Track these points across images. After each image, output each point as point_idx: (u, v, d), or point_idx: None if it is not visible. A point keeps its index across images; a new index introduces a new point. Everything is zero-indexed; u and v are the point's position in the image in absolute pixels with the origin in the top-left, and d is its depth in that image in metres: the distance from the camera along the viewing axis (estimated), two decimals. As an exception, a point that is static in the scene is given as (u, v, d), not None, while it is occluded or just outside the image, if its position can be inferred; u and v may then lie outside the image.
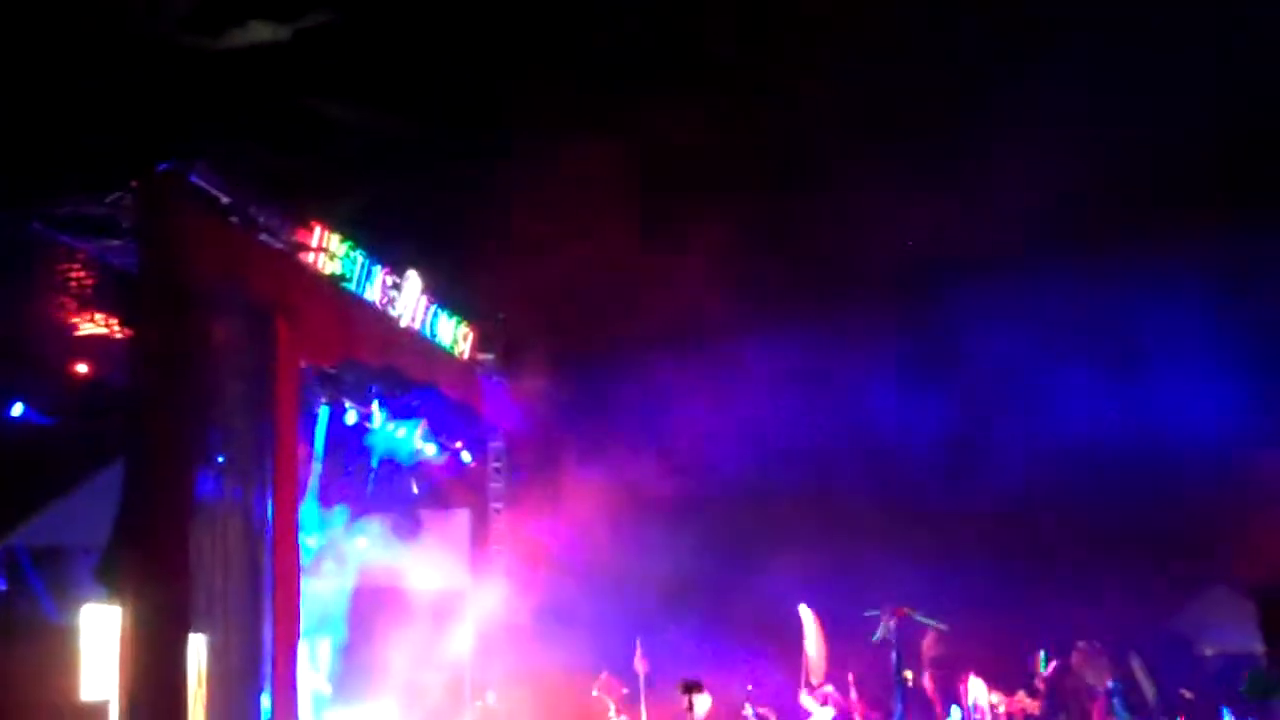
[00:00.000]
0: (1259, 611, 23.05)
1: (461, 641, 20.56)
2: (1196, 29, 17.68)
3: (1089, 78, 18.30)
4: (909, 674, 20.21)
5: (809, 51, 17.17)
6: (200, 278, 13.69)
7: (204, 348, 13.96)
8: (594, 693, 20.46)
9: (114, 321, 13.99)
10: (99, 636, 14.03)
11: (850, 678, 21.03)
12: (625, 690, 20.52)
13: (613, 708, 20.48)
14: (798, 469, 23.35)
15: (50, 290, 13.72)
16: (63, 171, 13.03)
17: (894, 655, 19.89)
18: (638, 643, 20.38)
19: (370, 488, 19.76)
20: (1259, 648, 22.33)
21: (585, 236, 18.98)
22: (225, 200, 14.22)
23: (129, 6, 13.10)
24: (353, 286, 16.88)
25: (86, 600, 14.14)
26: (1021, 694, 20.71)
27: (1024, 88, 18.02)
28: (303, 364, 15.97)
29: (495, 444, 22.08)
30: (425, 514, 21.06)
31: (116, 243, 13.53)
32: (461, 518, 21.76)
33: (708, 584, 22.83)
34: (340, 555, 18.98)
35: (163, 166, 13.27)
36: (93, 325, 14.03)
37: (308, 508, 17.06)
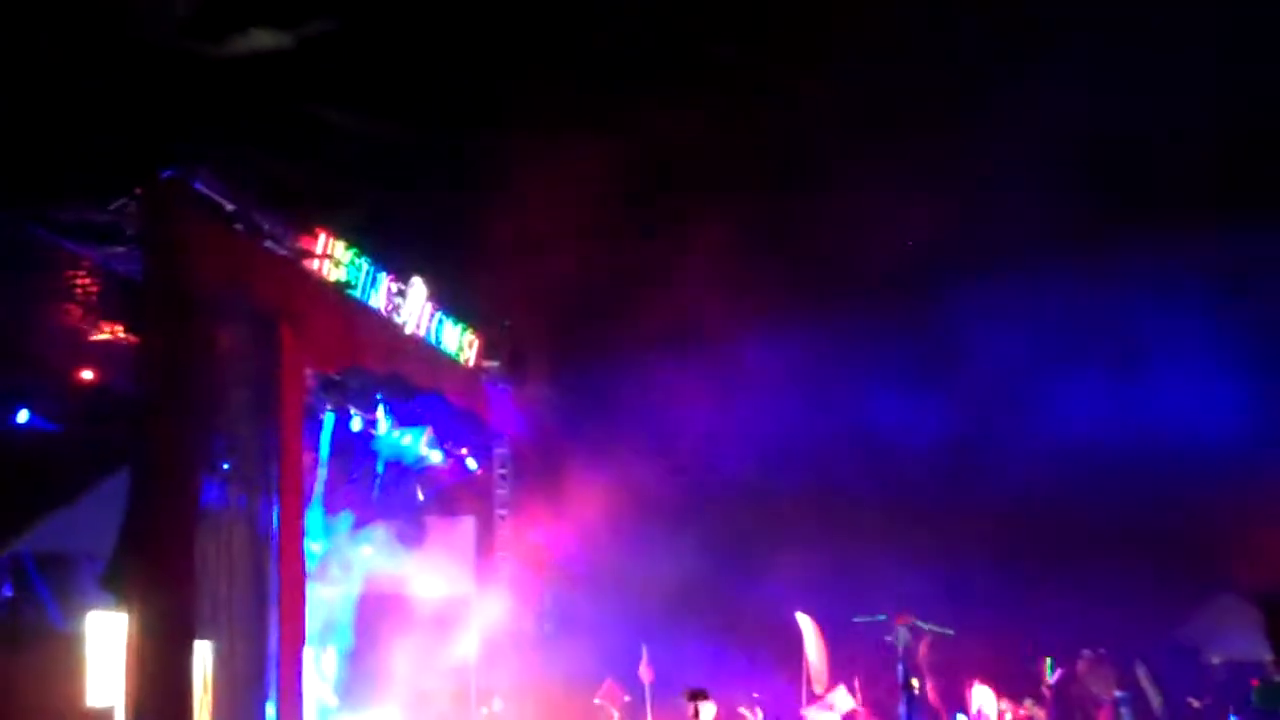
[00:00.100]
0: (1265, 619, 23.00)
1: (467, 648, 20.55)
2: (1197, 28, 17.66)
3: (1089, 77, 18.32)
4: (916, 682, 20.15)
5: (809, 51, 17.17)
6: (204, 284, 13.72)
7: (209, 354, 13.99)
8: (596, 700, 20.42)
9: (119, 328, 13.99)
10: (104, 643, 14.04)
11: (855, 683, 20.99)
12: (628, 698, 20.50)
13: (616, 715, 20.43)
14: (801, 472, 23.34)
15: (55, 297, 13.75)
16: (67, 178, 13.04)
17: (900, 663, 19.84)
18: (643, 650, 20.35)
19: (375, 494, 19.76)
20: (1266, 655, 22.24)
21: (588, 240, 19.00)
22: (229, 207, 14.25)
23: (134, 13, 13.12)
24: (357, 293, 16.89)
25: (92, 607, 14.15)
26: (1029, 702, 20.65)
27: (1025, 87, 18.03)
28: (308, 371, 15.98)
29: (500, 450, 22.06)
30: (430, 521, 21.08)
31: (121, 249, 13.55)
32: (467, 524, 21.75)
33: (712, 590, 22.81)
34: (345, 562, 18.99)
35: (167, 173, 13.30)
36: (98, 332, 14.05)
37: (313, 514, 17.06)
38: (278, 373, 14.99)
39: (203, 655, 13.90)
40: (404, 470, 20.28)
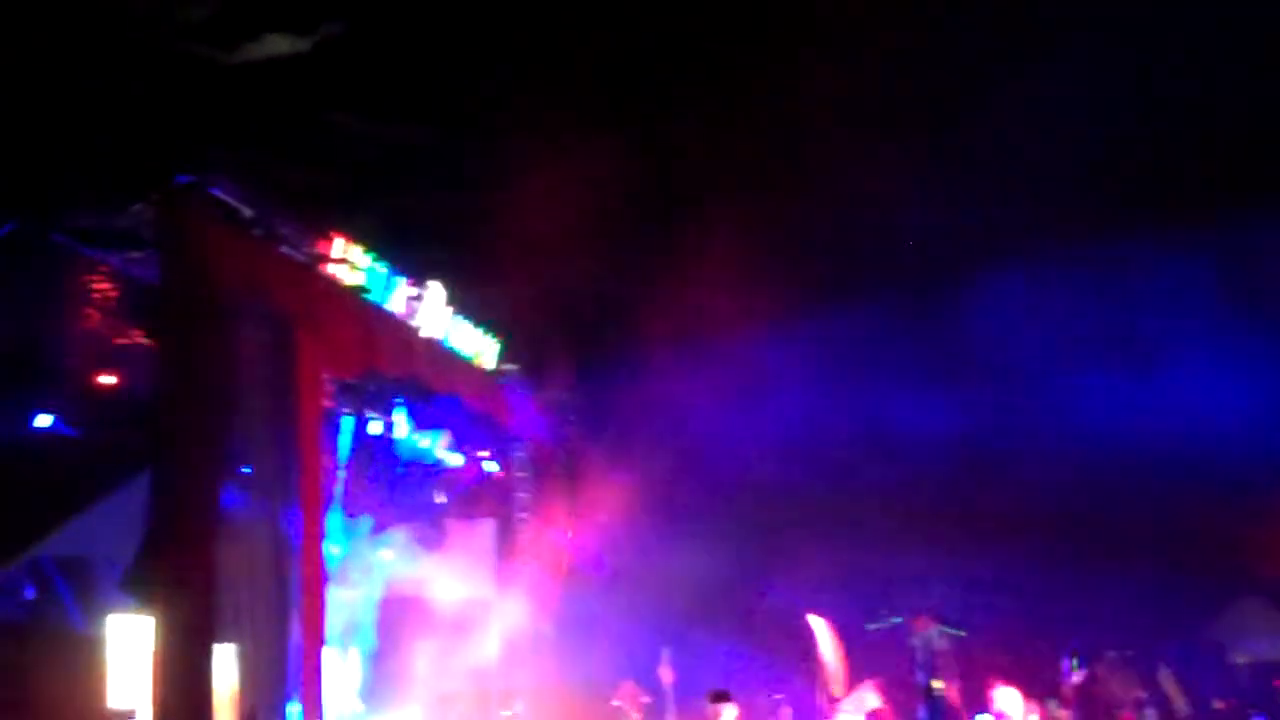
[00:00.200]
0: (1291, 619, 23.01)
1: (488, 651, 20.58)
2: (1220, 10, 17.59)
3: (1108, 66, 18.21)
4: (939, 684, 20.13)
5: (820, 49, 17.17)
6: (222, 289, 13.78)
7: (227, 359, 14.05)
8: (615, 702, 20.44)
9: (137, 333, 14.08)
10: (126, 646, 14.14)
11: (875, 684, 20.98)
12: (647, 699, 20.51)
13: (635, 717, 20.44)
14: (820, 472, 23.35)
15: (73, 302, 13.84)
16: (84, 184, 13.13)
17: (920, 665, 19.84)
18: (663, 651, 20.37)
19: (395, 498, 19.83)
20: (1292, 656, 22.22)
21: (605, 241, 19.04)
22: (246, 212, 14.31)
23: (149, 19, 13.21)
24: (374, 297, 16.95)
25: (113, 610, 14.24)
26: (1052, 703, 20.62)
27: (1041, 78, 17.97)
28: (326, 375, 16.06)
29: (520, 453, 22.11)
30: (450, 524, 21.16)
31: (139, 254, 13.63)
32: (486, 527, 21.82)
33: (732, 591, 22.85)
34: (366, 565, 19.05)
35: (183, 179, 13.37)
36: (116, 337, 14.15)
37: (332, 518, 17.12)
38: (296, 377, 15.06)
39: (226, 658, 13.99)
40: (423, 473, 20.37)
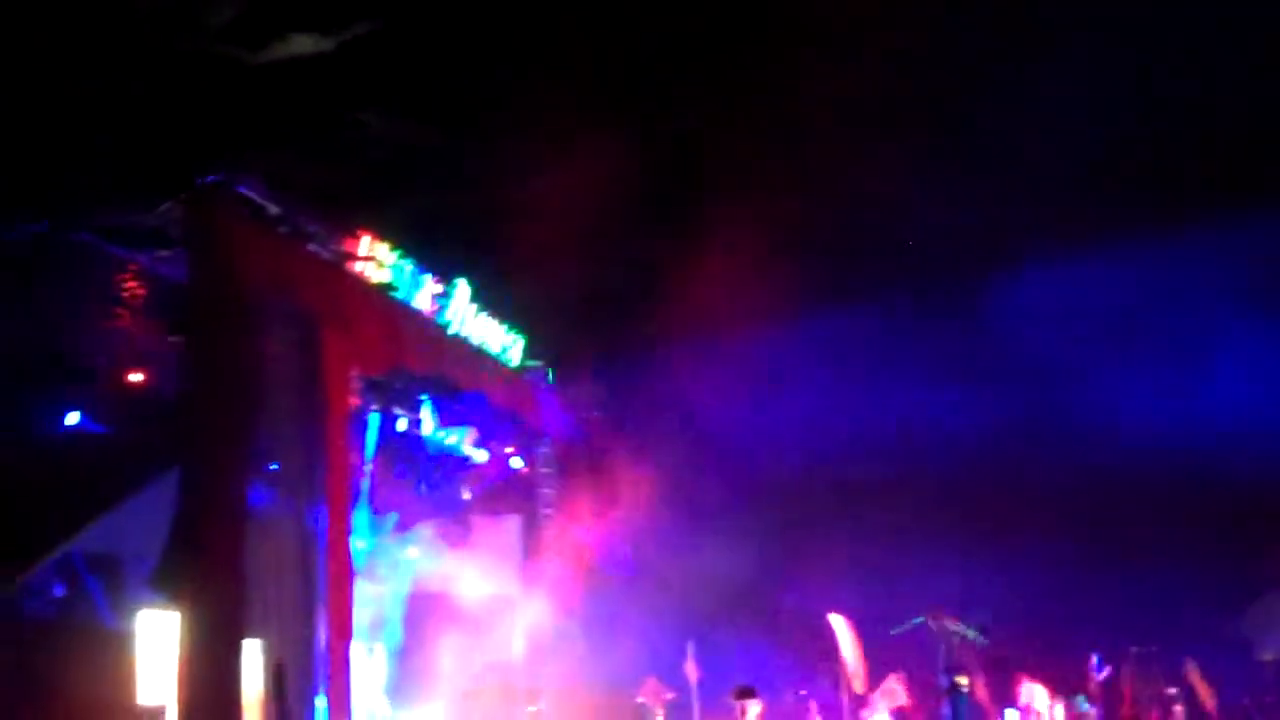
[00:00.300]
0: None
1: (513, 647, 20.63)
2: (1223, 9, 17.52)
3: (1137, 56, 18.13)
4: (964, 680, 20.08)
5: (840, 41, 17.14)
6: (250, 288, 13.88)
7: (255, 357, 14.13)
8: (639, 699, 20.44)
9: (166, 331, 14.14)
10: (155, 642, 14.20)
11: (901, 678, 20.94)
12: (671, 695, 20.51)
13: (660, 713, 20.43)
14: (845, 469, 23.33)
15: (102, 301, 13.90)
16: (113, 183, 13.21)
17: (942, 660, 19.81)
18: (688, 648, 20.37)
19: (421, 494, 19.89)
20: (1320, 653, 22.12)
21: (629, 238, 19.05)
22: (273, 210, 14.41)
23: (177, 20, 13.28)
24: (401, 295, 17.01)
25: (142, 606, 14.29)
26: (1079, 698, 20.58)
27: (1073, 68, 17.91)
28: (353, 373, 16.12)
29: (545, 450, 22.14)
30: (476, 520, 21.21)
31: (167, 253, 13.72)
32: (512, 524, 21.84)
33: (757, 587, 22.83)
34: (392, 561, 19.11)
35: (211, 178, 13.47)
36: (145, 335, 14.21)
37: (359, 514, 17.19)
38: (323, 374, 15.15)
39: (254, 653, 14.06)
40: (449, 470, 20.44)
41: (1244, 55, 18.15)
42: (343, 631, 15.15)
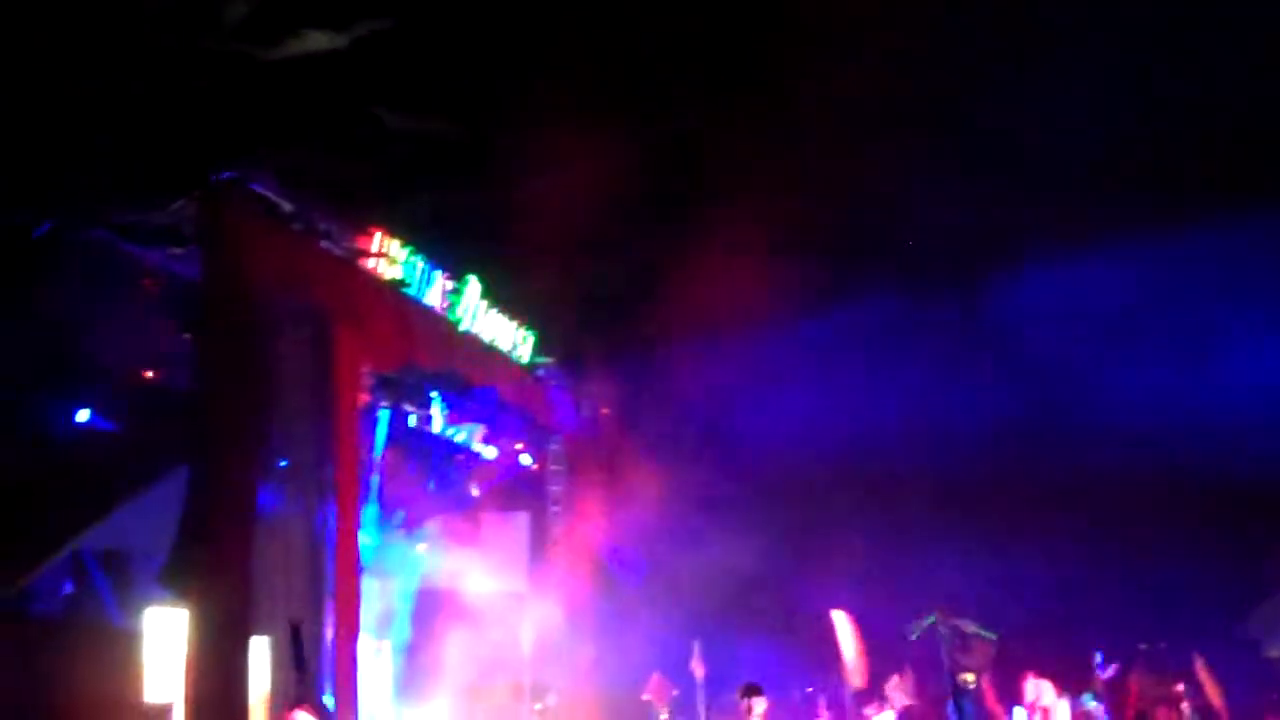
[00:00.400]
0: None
1: (521, 643, 20.62)
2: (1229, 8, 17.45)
3: (1138, 53, 18.05)
4: (969, 677, 20.02)
5: (847, 37, 17.08)
6: (262, 284, 13.86)
7: (266, 353, 14.11)
8: (645, 697, 20.41)
9: (178, 328, 14.11)
10: (163, 639, 14.19)
11: (907, 675, 20.89)
12: (676, 692, 20.48)
13: (665, 710, 20.40)
14: (854, 466, 23.30)
15: (115, 298, 13.88)
16: (126, 181, 13.17)
17: (946, 658, 19.74)
18: (694, 645, 20.33)
19: (430, 490, 19.86)
20: (1329, 651, 22.07)
21: (640, 235, 19.01)
22: (286, 207, 14.39)
23: (189, 16, 13.23)
24: (412, 291, 17.00)
25: (151, 603, 14.28)
26: (1086, 696, 20.50)
27: (1074, 64, 17.85)
28: (364, 369, 16.10)
29: (554, 447, 22.11)
30: (485, 516, 21.17)
31: (180, 250, 13.69)
32: (521, 520, 21.81)
33: (765, 584, 22.81)
34: (401, 558, 19.09)
35: (224, 175, 13.44)
36: (157, 332, 14.18)
37: (368, 510, 17.15)
38: (334, 371, 15.14)
39: (262, 650, 14.04)
40: (458, 466, 20.39)
41: (1244, 55, 18.06)
42: (350, 628, 15.15)
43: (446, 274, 17.63)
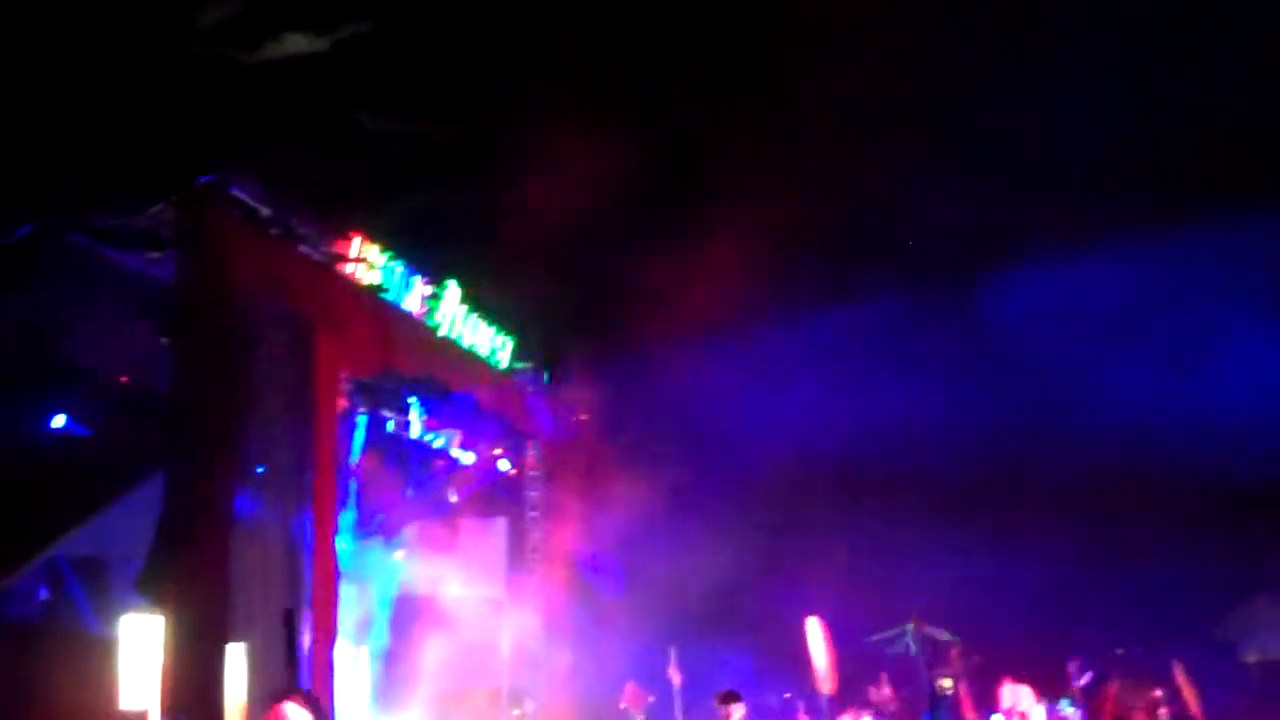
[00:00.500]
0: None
1: (499, 649, 20.58)
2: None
3: (1132, 56, 18.09)
4: (947, 683, 20.03)
5: (841, 38, 17.08)
6: (240, 289, 13.79)
7: (244, 358, 14.04)
8: (621, 705, 20.38)
9: (155, 333, 14.03)
10: (139, 646, 14.10)
11: (883, 683, 20.91)
12: (652, 699, 20.46)
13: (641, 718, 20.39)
14: (830, 475, 23.32)
15: (92, 302, 13.81)
16: (104, 184, 13.10)
17: (923, 665, 19.75)
18: (671, 652, 20.31)
19: (408, 496, 19.80)
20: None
21: (619, 239, 18.99)
22: (265, 212, 14.32)
23: (167, 19, 13.17)
24: (391, 297, 16.94)
25: (127, 610, 14.20)
26: (1064, 702, 20.53)
27: (1068, 67, 17.88)
28: (342, 374, 16.04)
29: (533, 452, 22.08)
30: (463, 522, 21.13)
31: (158, 254, 13.61)
32: (499, 526, 21.78)
33: (744, 591, 22.78)
34: (378, 564, 19.04)
35: (203, 179, 13.37)
36: (134, 336, 14.10)
37: (346, 516, 17.09)
38: (312, 376, 15.06)
39: (238, 657, 13.95)
40: (436, 472, 20.34)
41: (1244, 55, 18.12)
42: (328, 634, 15.07)
43: (425, 279, 17.58)
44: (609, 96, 17.59)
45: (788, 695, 21.86)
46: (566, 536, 21.71)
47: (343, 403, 16.46)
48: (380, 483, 18.91)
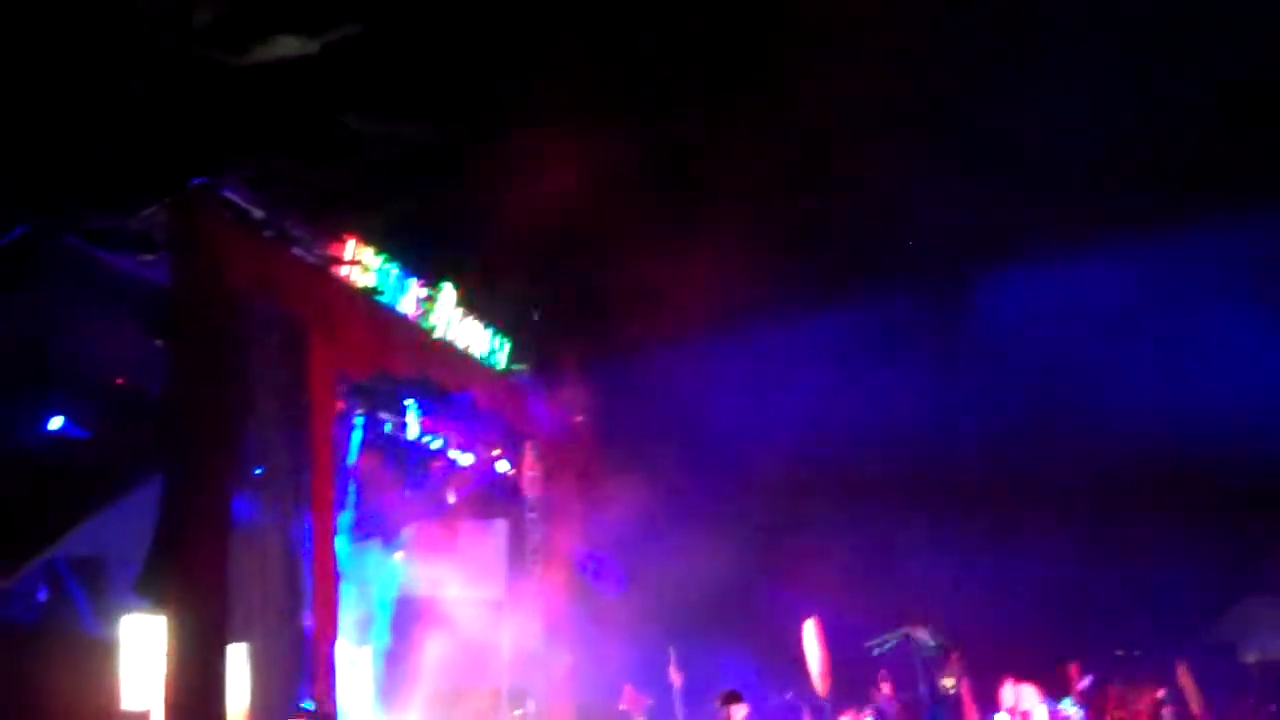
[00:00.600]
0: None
1: (499, 650, 20.62)
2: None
3: (1130, 55, 18.14)
4: (949, 682, 20.04)
5: (839, 39, 17.14)
6: (235, 291, 13.87)
7: (239, 361, 14.11)
8: (621, 707, 20.39)
9: (150, 335, 14.11)
10: (139, 647, 14.19)
11: (885, 682, 20.91)
12: (651, 701, 20.48)
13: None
14: (830, 474, 23.33)
15: (86, 304, 13.88)
16: (98, 187, 13.17)
17: (920, 669, 19.75)
18: (671, 653, 20.33)
19: (406, 497, 19.86)
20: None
21: (615, 239, 19.03)
22: (258, 214, 14.40)
23: (160, 21, 13.24)
24: (386, 299, 17.00)
25: (126, 611, 14.28)
26: (1066, 702, 20.53)
27: (1069, 63, 17.92)
28: (337, 376, 16.09)
29: (531, 453, 22.10)
30: (462, 524, 21.16)
31: (151, 257, 13.68)
32: (498, 527, 21.81)
33: (744, 591, 22.80)
34: (378, 565, 19.10)
35: (196, 181, 13.46)
36: (129, 339, 14.17)
37: (344, 518, 17.15)
38: (308, 378, 15.13)
39: (239, 658, 14.02)
40: (435, 473, 20.38)
41: (1244, 55, 18.17)
42: (328, 635, 15.12)
43: (421, 281, 17.63)
44: (605, 96, 17.66)
45: (789, 695, 21.85)
46: (566, 537, 21.74)
47: (339, 404, 16.50)
48: (378, 484, 18.98)
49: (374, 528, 19.00)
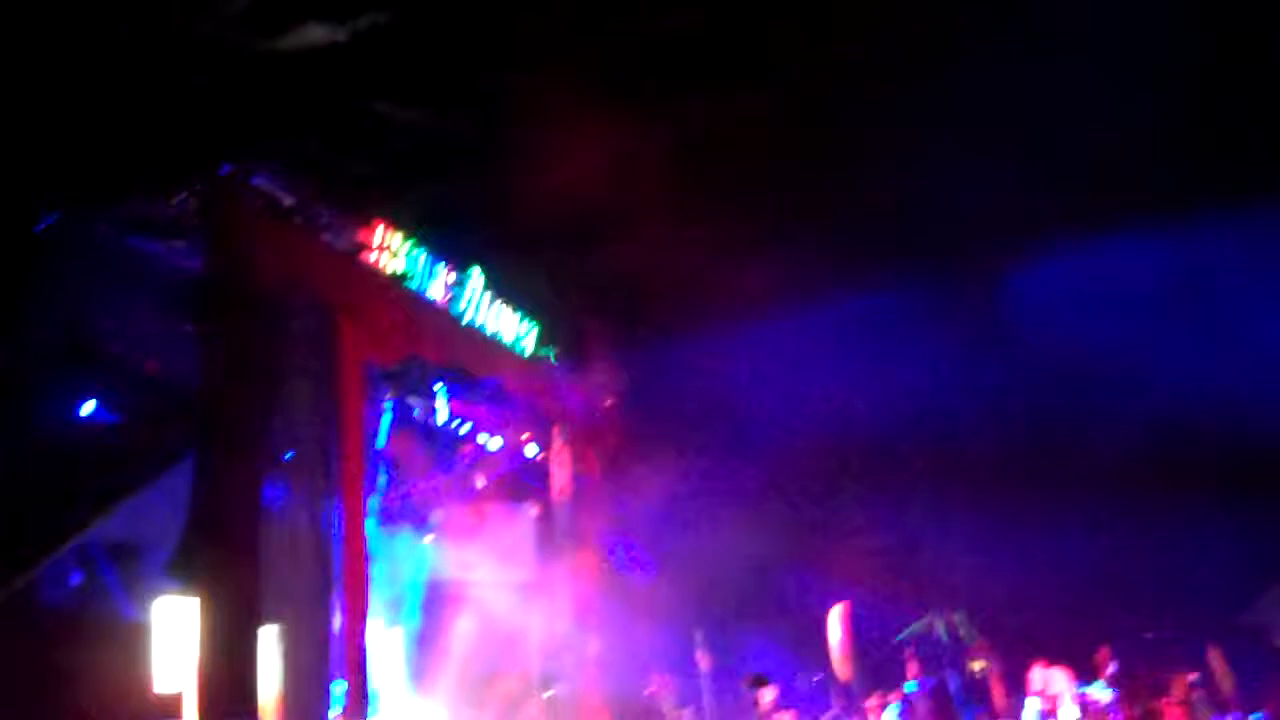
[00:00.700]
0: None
1: (529, 633, 20.68)
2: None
3: (1156, 36, 18.03)
4: (978, 665, 20.07)
5: (859, 25, 17.11)
6: (264, 278, 13.94)
7: (269, 347, 14.19)
8: (648, 690, 20.46)
9: (181, 321, 14.22)
10: (172, 630, 14.30)
11: (912, 662, 20.94)
12: (679, 686, 20.54)
13: (671, 704, 20.46)
14: (860, 458, 23.32)
15: (118, 291, 13.99)
16: (129, 174, 13.27)
17: (948, 653, 19.81)
18: (698, 636, 20.40)
19: (436, 482, 19.93)
20: (1336, 638, 22.02)
21: (645, 224, 19.05)
22: (288, 201, 14.47)
23: (192, 9, 13.34)
24: (415, 284, 17.06)
25: (159, 594, 14.40)
26: (1098, 684, 20.54)
27: (1089, 45, 17.85)
28: (367, 362, 16.17)
29: (561, 437, 22.11)
30: (492, 508, 21.20)
31: (182, 244, 13.79)
32: (527, 511, 21.85)
33: (774, 575, 22.84)
34: (407, 549, 19.17)
35: (226, 169, 13.54)
36: (160, 325, 14.29)
37: (374, 503, 17.23)
38: (337, 364, 15.19)
39: (270, 640, 14.13)
40: (464, 457, 20.45)
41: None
42: (359, 618, 15.21)
43: (449, 266, 17.67)
44: (631, 84, 17.67)
45: (818, 678, 21.90)
46: (595, 522, 21.77)
47: (368, 390, 16.58)
48: (408, 468, 19.05)
49: (404, 512, 19.07)
